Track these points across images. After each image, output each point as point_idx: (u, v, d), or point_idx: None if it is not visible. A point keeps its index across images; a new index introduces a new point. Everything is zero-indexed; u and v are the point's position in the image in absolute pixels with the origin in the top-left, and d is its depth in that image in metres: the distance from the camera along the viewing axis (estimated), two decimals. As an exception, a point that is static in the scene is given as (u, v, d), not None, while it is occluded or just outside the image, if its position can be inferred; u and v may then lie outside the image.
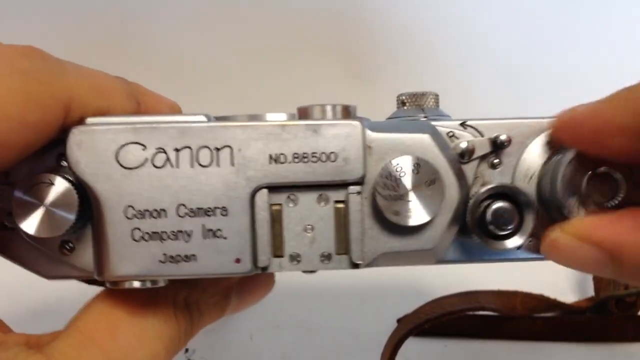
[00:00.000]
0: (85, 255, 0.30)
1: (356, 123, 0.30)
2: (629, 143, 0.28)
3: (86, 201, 0.29)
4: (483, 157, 0.33)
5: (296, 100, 0.35)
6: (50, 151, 0.30)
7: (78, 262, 0.31)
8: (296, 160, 0.30)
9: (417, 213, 0.30)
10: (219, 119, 0.32)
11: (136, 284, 0.29)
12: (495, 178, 0.33)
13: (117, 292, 0.30)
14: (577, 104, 0.30)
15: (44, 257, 0.31)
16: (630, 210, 0.28)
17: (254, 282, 0.37)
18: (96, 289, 0.31)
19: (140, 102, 0.33)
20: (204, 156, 0.29)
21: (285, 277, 0.58)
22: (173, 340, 0.32)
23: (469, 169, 0.33)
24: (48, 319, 0.31)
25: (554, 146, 0.33)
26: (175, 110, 0.35)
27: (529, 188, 0.33)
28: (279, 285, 0.36)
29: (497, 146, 0.33)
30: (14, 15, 0.73)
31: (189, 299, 0.33)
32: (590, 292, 0.59)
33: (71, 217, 0.28)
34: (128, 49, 0.73)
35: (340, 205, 0.31)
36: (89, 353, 0.29)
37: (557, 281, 0.60)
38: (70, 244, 0.30)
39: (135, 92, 0.33)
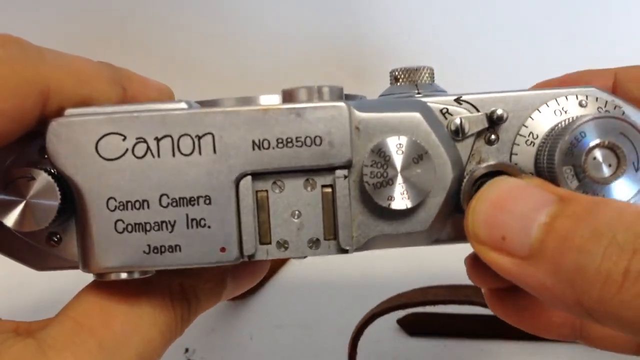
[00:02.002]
0: (73, 247, 0.30)
1: (341, 105, 0.29)
2: None
3: (69, 193, 0.29)
4: (479, 134, 0.32)
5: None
6: (33, 143, 0.30)
7: (66, 254, 0.31)
8: (280, 145, 0.29)
9: (407, 196, 0.29)
10: (204, 103, 0.31)
11: (123, 276, 0.29)
12: (492, 155, 0.32)
13: (108, 282, 0.30)
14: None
15: (32, 249, 0.31)
16: None
17: (248, 266, 0.36)
18: (90, 278, 0.31)
19: (126, 88, 0.32)
20: (185, 144, 0.29)
21: (285, 277, 0.58)
22: (169, 326, 0.32)
23: (465, 146, 0.32)
24: (43, 314, 0.31)
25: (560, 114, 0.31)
26: (165, 93, 0.34)
27: (528, 154, 0.31)
28: (279, 285, 0.36)
29: (494, 121, 0.32)
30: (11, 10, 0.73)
31: (185, 285, 0.33)
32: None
33: (53, 210, 0.28)
34: (126, 42, 0.73)
35: (328, 190, 0.30)
36: (81, 339, 0.28)
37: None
38: (58, 236, 0.30)
39: (121, 77, 0.32)
